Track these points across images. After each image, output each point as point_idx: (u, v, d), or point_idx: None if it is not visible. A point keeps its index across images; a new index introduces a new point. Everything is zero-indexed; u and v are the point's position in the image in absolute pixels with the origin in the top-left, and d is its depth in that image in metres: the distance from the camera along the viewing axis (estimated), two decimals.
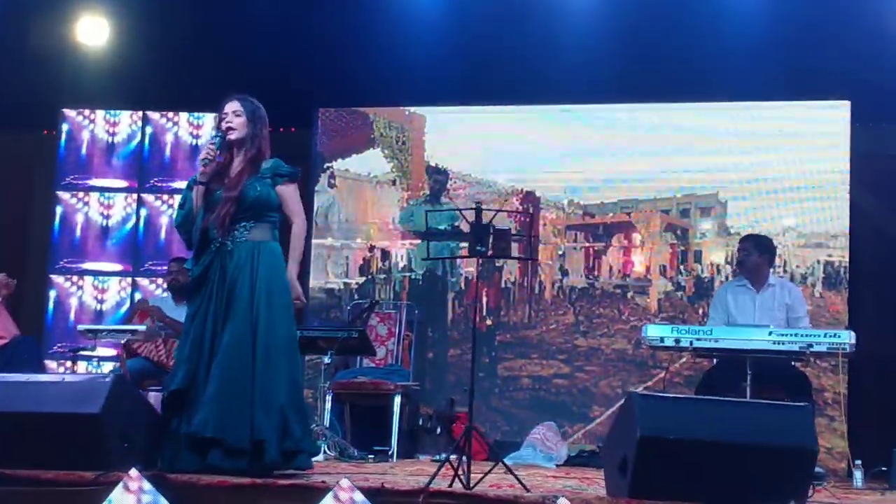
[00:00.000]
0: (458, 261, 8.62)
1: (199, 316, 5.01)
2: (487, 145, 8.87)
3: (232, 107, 5.17)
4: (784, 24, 8.08)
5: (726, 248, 8.36)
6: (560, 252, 8.67)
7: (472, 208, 4.94)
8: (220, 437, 4.80)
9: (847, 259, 8.16)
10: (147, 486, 4.35)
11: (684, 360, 7.98)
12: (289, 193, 5.20)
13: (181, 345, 5.08)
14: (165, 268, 8.15)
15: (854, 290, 8.17)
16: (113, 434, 4.78)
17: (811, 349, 6.05)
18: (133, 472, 4.37)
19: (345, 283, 8.97)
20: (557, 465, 7.25)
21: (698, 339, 6.19)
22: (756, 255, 7.01)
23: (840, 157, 8.18)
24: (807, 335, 6.11)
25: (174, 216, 5.31)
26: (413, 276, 8.84)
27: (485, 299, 8.64)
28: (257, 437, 4.81)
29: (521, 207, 8.50)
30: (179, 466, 4.78)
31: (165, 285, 8.04)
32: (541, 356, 8.60)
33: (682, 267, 8.48)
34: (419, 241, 8.73)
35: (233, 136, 5.15)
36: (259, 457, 4.82)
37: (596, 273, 8.60)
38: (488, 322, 8.70)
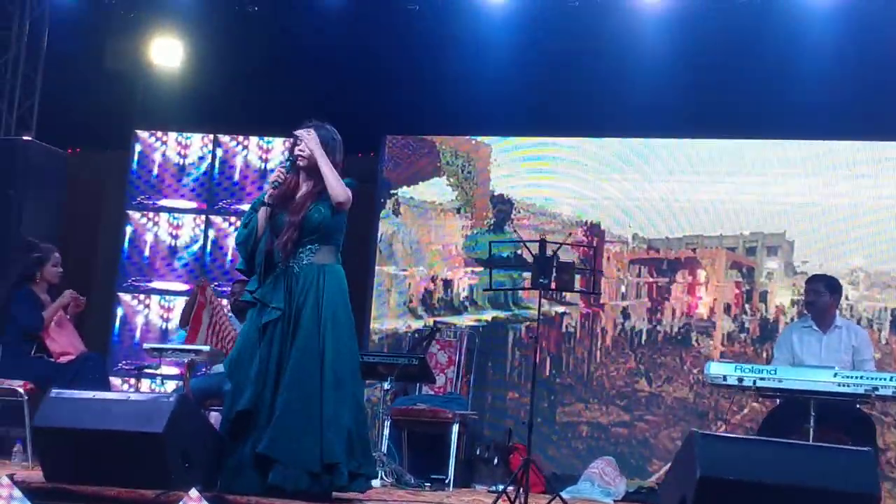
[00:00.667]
0: (520, 308, 8.63)
1: (266, 337, 5.06)
2: (552, 176, 8.89)
3: (304, 135, 5.23)
4: (858, 62, 8.01)
5: (792, 288, 8.28)
6: (623, 289, 8.63)
7: (536, 241, 4.95)
8: (282, 459, 4.84)
9: None
10: None
11: (746, 410, 7.93)
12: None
13: (243, 365, 5.09)
14: (229, 289, 8.23)
15: None
16: (175, 454, 4.83)
17: (876, 392, 5.95)
18: (193, 492, 4.40)
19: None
20: (615, 501, 7.19)
21: (762, 379, 6.12)
22: (827, 295, 6.92)
23: None
24: (872, 378, 6.01)
25: (237, 234, 5.35)
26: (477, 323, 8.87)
27: (544, 343, 8.62)
28: (329, 460, 4.85)
29: (585, 239, 8.49)
30: (241, 486, 4.82)
31: (229, 307, 8.12)
32: (600, 402, 8.57)
33: (747, 307, 8.41)
34: (481, 270, 8.74)
35: (302, 163, 5.21)
36: (328, 478, 4.85)
37: (659, 316, 8.55)
38: (548, 366, 8.69)
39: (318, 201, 5.15)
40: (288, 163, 5.25)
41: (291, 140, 5.30)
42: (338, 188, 5.09)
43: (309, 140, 5.16)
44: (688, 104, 8.35)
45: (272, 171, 5.33)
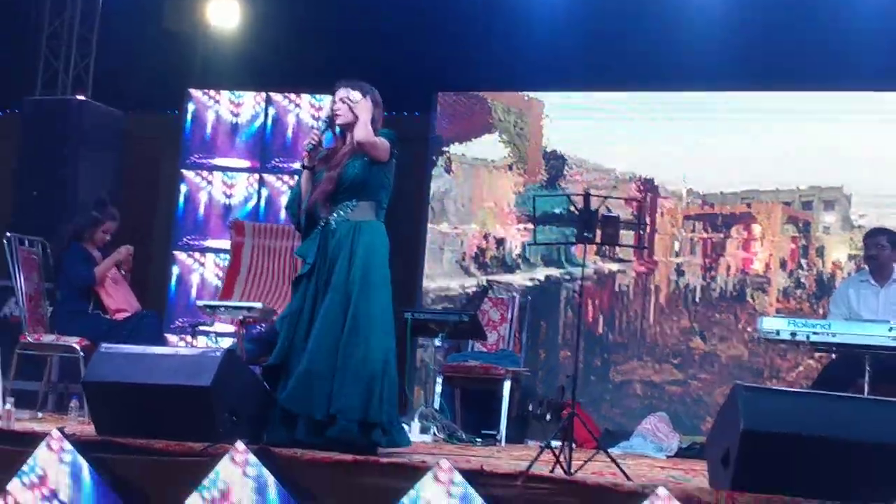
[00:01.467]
0: (573, 265, 8.59)
1: (299, 292, 5.11)
2: (606, 132, 8.81)
3: (340, 93, 5.23)
4: None
5: (850, 242, 8.15)
6: (676, 246, 8.55)
7: (580, 194, 4.91)
8: (304, 412, 4.89)
9: None
10: (252, 459, 4.44)
11: (801, 368, 7.85)
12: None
13: (282, 319, 5.17)
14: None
15: None
16: (222, 407, 4.88)
17: None
18: (239, 444, 4.46)
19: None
20: (668, 457, 7.16)
21: (815, 333, 6.07)
22: (888, 249, 6.83)
23: None
24: None
25: (287, 200, 5.41)
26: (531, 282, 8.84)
27: (596, 301, 8.58)
28: (333, 411, 4.89)
29: (638, 195, 8.41)
30: (270, 439, 4.87)
31: None
32: (654, 360, 8.52)
33: (803, 262, 8.30)
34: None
35: (339, 121, 5.22)
36: (332, 430, 4.89)
37: (713, 273, 8.46)
38: (601, 324, 8.66)
39: (355, 157, 5.15)
40: (324, 124, 5.26)
41: (332, 101, 5.30)
42: (362, 129, 5.06)
43: (347, 99, 5.17)
44: (744, 56, 8.19)
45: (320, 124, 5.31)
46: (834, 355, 6.72)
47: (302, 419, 4.93)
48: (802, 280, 8.26)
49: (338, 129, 5.31)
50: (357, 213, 5.15)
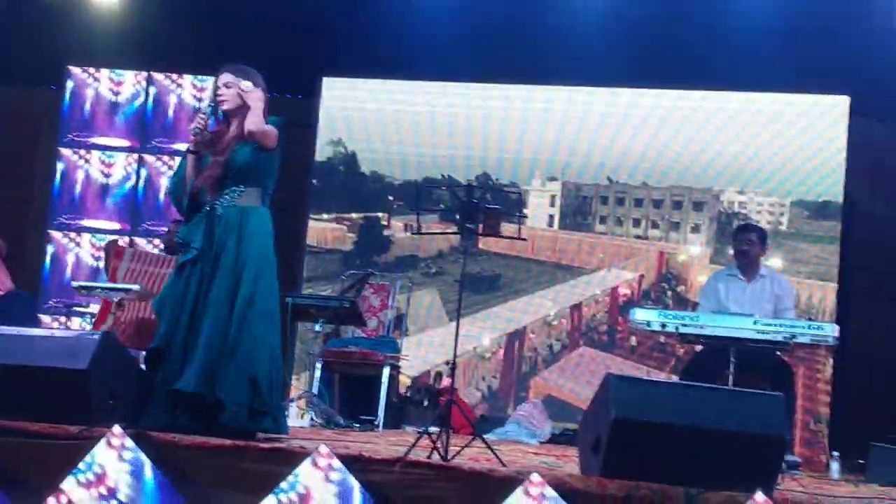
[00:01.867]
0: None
1: (183, 277, 5.09)
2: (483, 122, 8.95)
3: (224, 78, 5.20)
4: (789, 18, 8.11)
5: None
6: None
7: (463, 185, 4.99)
8: (194, 397, 4.89)
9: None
10: (129, 443, 4.41)
11: None
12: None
13: (161, 302, 5.15)
14: (164, 229, 8.20)
15: (844, 283, 8.23)
16: (99, 390, 4.83)
17: (794, 340, 6.09)
18: (116, 428, 4.43)
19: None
20: (541, 443, 7.31)
21: (684, 325, 6.23)
22: (759, 246, 7.04)
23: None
24: (791, 326, 6.13)
25: (168, 183, 5.37)
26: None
27: None
28: (220, 395, 4.89)
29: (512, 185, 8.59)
30: (153, 423, 4.86)
31: (162, 246, 8.09)
32: None
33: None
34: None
35: (224, 106, 5.20)
36: (221, 414, 4.90)
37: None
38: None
39: (242, 143, 5.15)
40: (209, 108, 5.24)
41: (214, 85, 5.28)
42: (255, 120, 5.05)
43: (237, 87, 5.16)
44: (620, 55, 8.39)
45: (204, 108, 5.27)
46: (701, 346, 6.93)
47: (185, 404, 4.92)
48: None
49: (221, 114, 5.29)
50: (244, 199, 5.14)
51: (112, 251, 7.46)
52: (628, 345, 8.51)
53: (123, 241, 8.81)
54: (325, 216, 9.15)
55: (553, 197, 8.80)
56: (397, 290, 8.06)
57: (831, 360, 7.59)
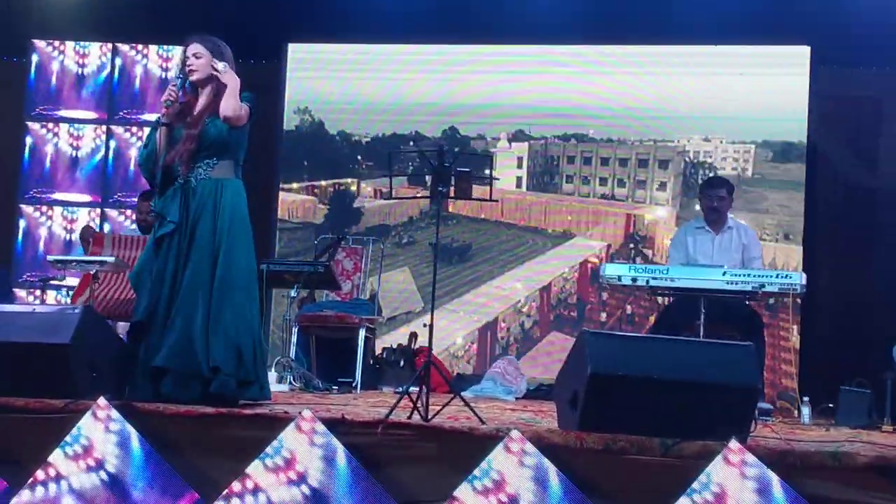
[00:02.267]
0: None
1: (161, 250, 5.14)
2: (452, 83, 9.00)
3: (193, 49, 5.23)
4: None
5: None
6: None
7: (434, 149, 5.06)
8: (173, 367, 4.97)
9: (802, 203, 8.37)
10: (115, 414, 4.48)
11: None
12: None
13: (138, 275, 5.20)
14: (135, 199, 8.21)
15: (810, 234, 8.36)
16: (82, 364, 4.89)
17: (763, 289, 6.22)
18: (101, 400, 4.50)
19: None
20: (516, 399, 7.42)
21: (654, 279, 6.35)
22: (728, 200, 7.14)
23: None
24: (759, 276, 6.27)
25: (138, 155, 5.38)
26: None
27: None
28: (211, 366, 4.97)
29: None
30: (138, 396, 4.92)
31: (134, 222, 8.09)
32: None
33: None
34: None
35: (194, 76, 5.24)
36: (216, 384, 4.97)
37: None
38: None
39: (215, 115, 5.18)
40: (179, 80, 5.26)
41: (182, 55, 5.31)
42: (232, 104, 5.09)
43: (210, 61, 5.19)
44: (579, 11, 8.45)
45: (166, 88, 5.28)
46: (672, 299, 7.04)
47: (170, 374, 4.99)
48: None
49: (188, 84, 5.31)
50: (218, 171, 5.19)
51: (91, 238, 7.47)
52: (598, 318, 8.62)
53: (93, 222, 8.82)
54: (294, 185, 9.19)
55: (520, 159, 8.88)
56: (370, 253, 8.09)
57: (799, 308, 7.70)
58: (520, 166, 8.90)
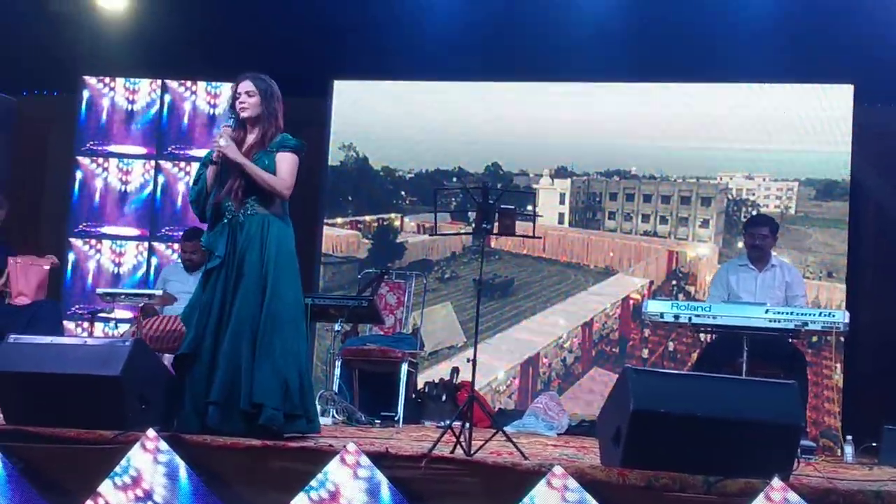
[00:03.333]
0: None
1: (209, 284, 5.22)
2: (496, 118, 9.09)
3: (245, 86, 5.33)
4: (791, 8, 8.20)
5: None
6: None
7: (478, 187, 5.12)
8: (222, 400, 5.04)
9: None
10: (163, 446, 4.55)
11: None
12: (284, 158, 5.31)
13: (190, 310, 5.29)
14: (180, 233, 8.32)
15: (853, 272, 8.32)
16: (131, 396, 4.98)
17: (806, 327, 6.19)
18: (150, 432, 4.57)
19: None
20: (558, 434, 7.42)
21: (697, 316, 6.34)
22: (771, 238, 7.16)
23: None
24: (802, 314, 6.24)
25: (190, 196, 5.45)
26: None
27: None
28: (256, 400, 5.03)
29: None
30: (184, 427, 5.00)
31: (180, 261, 8.15)
32: None
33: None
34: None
35: (245, 114, 5.33)
36: (258, 418, 5.02)
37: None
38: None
39: (263, 152, 5.29)
40: (232, 119, 5.35)
41: (233, 91, 5.39)
42: (274, 185, 5.24)
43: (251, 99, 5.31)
44: (624, 49, 8.48)
45: (223, 116, 5.37)
46: (714, 336, 7.03)
47: (218, 407, 5.06)
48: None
49: (233, 121, 5.40)
50: (265, 206, 5.29)
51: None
52: (639, 355, 8.63)
53: (141, 255, 8.94)
54: (339, 220, 9.29)
55: (562, 195, 8.93)
56: (412, 288, 8.14)
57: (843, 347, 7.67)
58: (562, 202, 8.94)
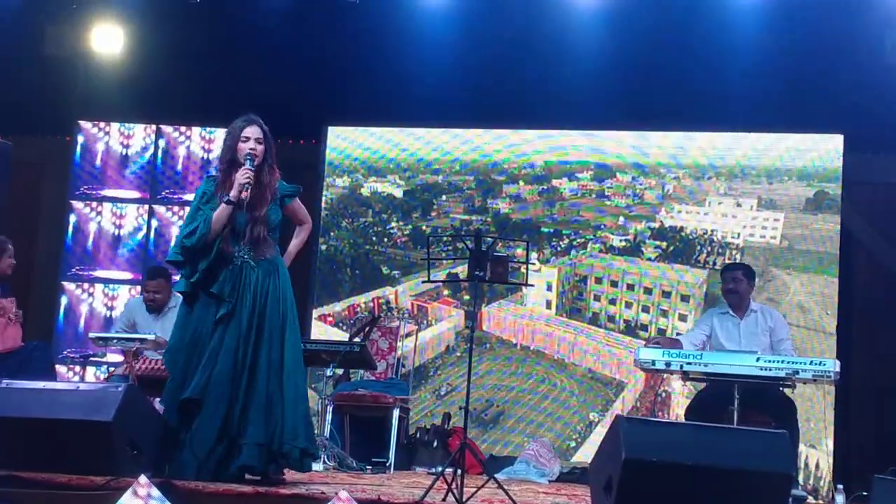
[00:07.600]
0: None
1: (218, 330, 5.23)
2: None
3: (255, 132, 5.34)
4: (780, 60, 8.29)
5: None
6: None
7: (471, 235, 5.15)
8: (265, 442, 5.14)
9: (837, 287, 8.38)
10: (155, 492, 4.53)
11: None
12: (297, 206, 5.57)
13: (187, 355, 5.25)
14: (176, 277, 8.26)
15: (843, 321, 8.35)
16: (123, 441, 4.99)
17: (797, 376, 6.22)
18: (142, 478, 4.55)
19: None
20: (550, 482, 7.42)
21: (688, 364, 6.36)
22: (746, 282, 7.19)
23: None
24: (793, 362, 6.27)
25: (187, 240, 5.28)
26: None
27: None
28: (292, 441, 5.15)
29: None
30: (180, 472, 5.01)
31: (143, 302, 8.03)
32: None
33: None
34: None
35: (258, 161, 5.37)
36: (285, 458, 5.17)
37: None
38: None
39: (273, 200, 5.39)
40: (248, 160, 5.34)
41: (238, 134, 5.39)
42: (308, 233, 5.67)
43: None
44: (613, 97, 8.60)
45: (242, 170, 5.26)
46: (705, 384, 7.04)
47: (262, 449, 5.13)
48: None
49: (249, 162, 5.42)
50: (270, 250, 5.38)
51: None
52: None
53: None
54: (326, 310, 9.27)
55: (549, 284, 8.98)
56: (404, 331, 8.15)
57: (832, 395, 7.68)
58: (549, 289, 8.99)
